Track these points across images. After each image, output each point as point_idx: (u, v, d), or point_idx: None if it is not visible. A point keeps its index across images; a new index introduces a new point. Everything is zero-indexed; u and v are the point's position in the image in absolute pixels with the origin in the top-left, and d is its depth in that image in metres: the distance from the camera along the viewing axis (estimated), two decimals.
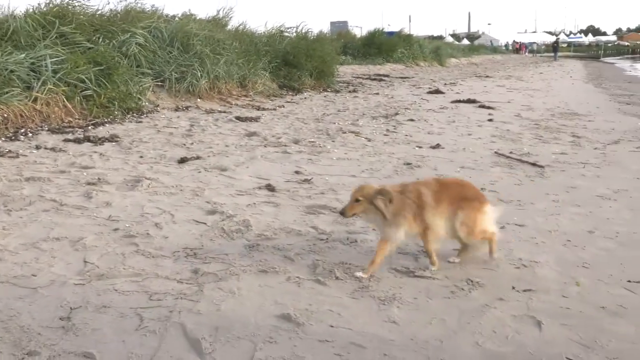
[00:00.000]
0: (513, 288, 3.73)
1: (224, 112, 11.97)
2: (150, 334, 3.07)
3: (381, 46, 30.97)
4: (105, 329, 3.10)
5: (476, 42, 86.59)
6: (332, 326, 3.22)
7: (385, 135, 9.66)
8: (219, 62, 13.91)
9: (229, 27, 18.12)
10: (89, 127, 9.24)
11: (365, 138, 9.28)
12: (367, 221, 4.16)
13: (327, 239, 4.58)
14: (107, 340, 2.99)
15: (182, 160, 7.24)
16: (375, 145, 8.72)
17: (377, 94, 17.46)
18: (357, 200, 3.86)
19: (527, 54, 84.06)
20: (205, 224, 4.86)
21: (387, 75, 25.05)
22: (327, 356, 2.93)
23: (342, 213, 3.99)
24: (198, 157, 7.46)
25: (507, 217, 5.12)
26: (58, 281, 3.63)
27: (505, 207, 5.44)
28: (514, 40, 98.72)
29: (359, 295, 3.60)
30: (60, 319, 3.18)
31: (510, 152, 8.16)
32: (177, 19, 15.92)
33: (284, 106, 13.56)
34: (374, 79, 22.82)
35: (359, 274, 3.87)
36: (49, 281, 3.65)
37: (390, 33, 37.72)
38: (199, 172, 6.74)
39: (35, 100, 9.24)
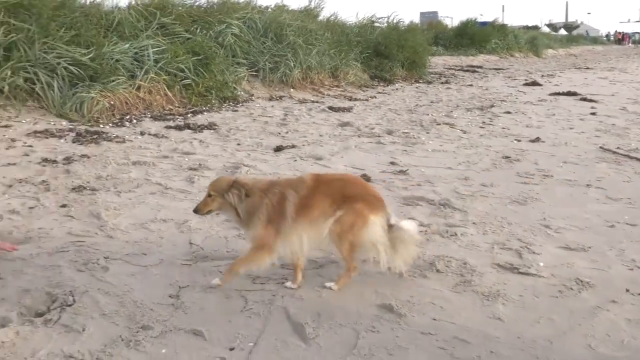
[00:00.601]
0: (627, 290, 3.52)
1: (317, 102, 12.05)
2: (254, 316, 3.13)
3: (474, 37, 30.15)
4: (212, 309, 3.19)
5: (574, 33, 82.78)
6: (434, 319, 3.17)
7: (481, 127, 9.41)
8: (311, 52, 14.03)
9: (321, 17, 18.22)
10: (189, 115, 9.56)
11: (461, 130, 9.09)
12: (231, 221, 3.65)
13: (425, 231, 4.51)
14: (214, 319, 3.07)
15: (278, 149, 7.36)
16: (471, 137, 8.51)
17: (471, 85, 17.05)
18: (210, 196, 3.42)
19: (630, 44, 79.50)
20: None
21: (480, 67, 24.40)
22: (430, 349, 2.88)
23: (196, 211, 3.48)
24: (293, 146, 7.56)
25: (617, 215, 4.87)
26: (167, 261, 3.77)
27: (615, 205, 5.20)
28: (616, 30, 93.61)
29: (461, 290, 3.52)
30: (170, 296, 3.30)
31: (617, 148, 7.74)
32: (270, 9, 16.16)
33: (375, 97, 13.51)
34: (467, 70, 22.30)
35: (215, 281, 3.45)
36: (158, 260, 3.79)
37: (483, 23, 36.70)
38: (295, 160, 6.82)
39: (138, 88, 9.64)
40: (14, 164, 5.98)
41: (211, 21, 12.73)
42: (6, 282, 3.32)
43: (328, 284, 3.48)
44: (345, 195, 3.38)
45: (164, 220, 4.58)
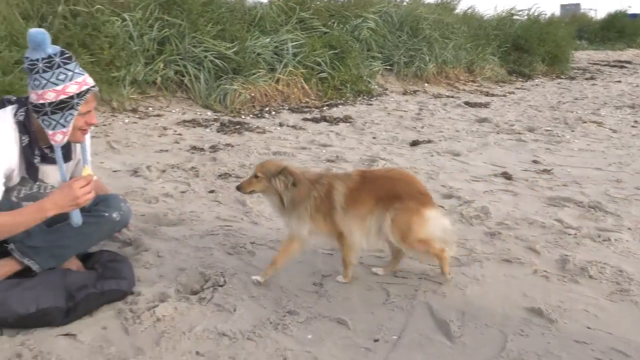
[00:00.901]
0: None
1: (452, 97, 11.81)
2: (397, 310, 3.11)
3: (623, 30, 28.12)
4: (354, 299, 3.22)
5: None
6: (589, 327, 2.98)
7: (633, 127, 8.75)
8: (447, 46, 13.76)
9: (457, 10, 17.80)
10: (324, 108, 9.73)
11: (610, 129, 8.50)
12: (271, 206, 3.47)
13: (575, 234, 4.26)
14: (357, 310, 3.09)
15: (414, 143, 7.28)
16: (622, 137, 7.94)
17: (619, 81, 15.91)
18: (256, 177, 3.30)
19: None
20: (443, 207, 4.81)
21: (629, 62, 22.66)
22: (585, 358, 2.72)
23: (238, 188, 3.39)
24: (429, 141, 7.45)
25: None
26: (309, 249, 3.83)
27: None
28: None
29: (618, 299, 3.28)
30: (313, 284, 3.37)
31: None
32: (406, 3, 16.01)
33: (514, 92, 12.99)
34: (614, 66, 20.81)
35: (255, 277, 3.33)
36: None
37: (634, 15, 34.05)
38: (432, 155, 6.72)
39: (277, 81, 9.95)
40: (167, 150, 6.38)
41: (348, 15, 12.84)
42: (164, 260, 3.55)
43: (446, 276, 3.44)
44: (392, 195, 3.24)
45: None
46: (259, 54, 9.95)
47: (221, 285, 3.23)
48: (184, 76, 9.06)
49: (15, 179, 2.96)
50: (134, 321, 2.80)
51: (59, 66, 2.81)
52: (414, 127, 8.43)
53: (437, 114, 9.71)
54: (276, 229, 4.20)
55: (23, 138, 2.94)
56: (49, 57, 2.79)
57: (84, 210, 3.17)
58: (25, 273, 3.01)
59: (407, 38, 13.43)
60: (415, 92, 12.09)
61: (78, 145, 3.21)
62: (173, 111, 8.48)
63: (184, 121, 7.93)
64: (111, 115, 7.81)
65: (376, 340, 2.80)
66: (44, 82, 2.81)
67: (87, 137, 3.17)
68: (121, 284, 3.00)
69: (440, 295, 3.28)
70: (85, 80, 2.89)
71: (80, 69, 2.91)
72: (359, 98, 10.85)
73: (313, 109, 9.62)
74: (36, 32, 2.80)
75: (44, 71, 2.79)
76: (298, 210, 3.21)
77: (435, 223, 3.28)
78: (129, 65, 8.34)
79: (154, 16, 8.97)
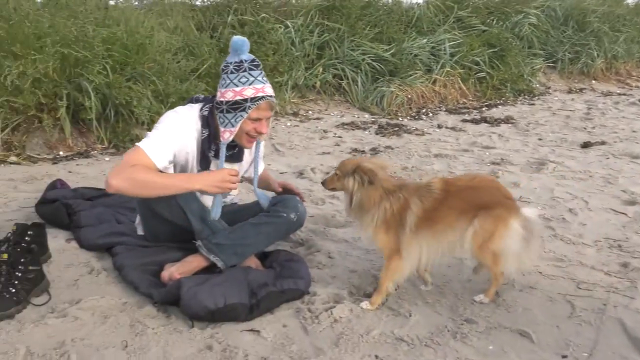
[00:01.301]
0: None
1: (624, 94, 10.93)
2: (585, 325, 2.90)
3: None
4: (535, 311, 3.04)
5: None
6: None
7: None
8: (618, 39, 12.73)
9: (629, 1, 16.39)
10: (483, 108, 9.41)
11: None
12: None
13: None
14: (539, 322, 2.92)
15: (586, 145, 6.81)
16: None
17: None
18: (336, 174, 3.12)
19: None
20: (625, 214, 4.44)
21: None
22: None
23: (323, 183, 3.25)
24: (603, 142, 6.93)
25: None
26: None
27: None
28: None
29: None
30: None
31: None
32: None
33: None
34: None
35: (364, 304, 3.03)
36: None
37: None
38: (607, 158, 6.24)
39: (434, 82, 9.78)
40: (329, 153, 6.50)
41: (508, 12, 12.31)
42: (335, 262, 3.59)
43: (478, 298, 3.13)
44: (479, 204, 2.97)
45: None
46: (415, 55, 9.84)
47: (395, 289, 3.20)
48: (342, 79, 9.20)
49: (187, 164, 3.18)
50: (312, 321, 2.86)
51: (244, 70, 2.98)
52: (584, 128, 7.89)
53: (608, 113, 9.02)
54: None
55: (204, 131, 3.17)
56: (240, 61, 3.00)
57: (263, 211, 3.32)
58: (211, 269, 3.19)
59: (572, 33, 12.61)
60: (581, 90, 11.32)
61: (247, 151, 3.35)
62: (332, 114, 8.64)
63: (343, 124, 8.04)
64: (274, 119, 8.12)
65: (564, 357, 2.62)
66: (228, 82, 3.02)
67: (261, 145, 3.31)
68: (299, 283, 3.07)
69: (633, 311, 3.01)
70: (263, 89, 3.02)
71: (265, 78, 3.05)
72: (520, 98, 10.37)
73: (471, 109, 9.35)
74: (238, 38, 3.05)
75: (232, 72, 3.00)
76: (364, 218, 3.02)
77: (517, 236, 2.98)
78: (290, 70, 8.62)
79: (314, 22, 9.21)
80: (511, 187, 5.16)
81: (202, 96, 3.36)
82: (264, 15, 8.74)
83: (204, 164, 3.20)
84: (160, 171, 3.01)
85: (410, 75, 9.48)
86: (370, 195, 2.97)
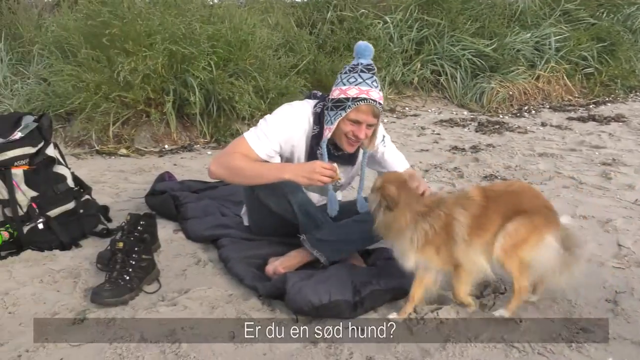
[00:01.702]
0: None
1: None
2: None
3: None
4: None
5: None
6: None
7: None
8: None
9: None
10: (590, 106, 8.97)
11: None
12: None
13: None
14: None
15: None
16: None
17: None
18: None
19: None
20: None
21: None
22: None
23: None
24: None
25: None
26: (595, 260, 3.50)
27: None
28: None
29: None
30: (606, 300, 3.04)
31: None
32: None
33: None
34: None
35: (392, 316, 2.85)
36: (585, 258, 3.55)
37: None
38: None
39: (537, 78, 9.41)
40: (427, 150, 6.38)
41: (620, 3, 11.65)
42: None
43: (497, 313, 2.84)
44: (519, 210, 2.75)
45: (583, 216, 4.29)
46: (518, 50, 9.51)
47: (502, 293, 3.08)
48: (440, 75, 9.02)
49: (292, 157, 3.22)
50: (417, 321, 2.79)
51: (356, 72, 2.98)
52: None
53: None
54: None
55: (314, 128, 3.19)
56: (357, 64, 3.01)
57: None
58: (314, 264, 3.20)
59: None
60: None
61: (361, 156, 3.31)
62: (429, 111, 8.49)
63: (441, 121, 7.88)
64: None
65: None
66: (339, 80, 3.04)
67: (371, 154, 3.28)
68: (403, 282, 3.01)
69: None
70: (368, 92, 2.97)
71: (375, 83, 3.00)
72: (631, 95, 9.82)
73: (577, 107, 8.92)
74: (361, 43, 3.08)
75: (345, 73, 3.02)
76: (399, 241, 2.82)
77: (551, 249, 2.73)
78: (388, 66, 8.55)
79: (413, 17, 9.08)
80: (625, 190, 4.88)
81: (320, 93, 3.38)
82: (363, 10, 8.71)
83: (311, 159, 3.21)
84: (265, 161, 3.07)
85: (512, 71, 9.18)
86: (397, 218, 2.78)
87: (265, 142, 3.08)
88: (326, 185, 3.06)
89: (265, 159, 3.09)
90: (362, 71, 2.98)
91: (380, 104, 3.01)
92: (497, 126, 7.53)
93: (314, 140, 3.18)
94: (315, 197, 3.40)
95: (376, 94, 2.99)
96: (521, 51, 9.54)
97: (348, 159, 3.32)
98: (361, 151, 3.28)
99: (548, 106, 8.90)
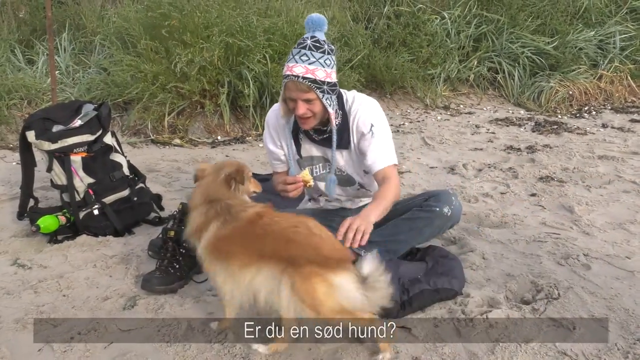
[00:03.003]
0: None
1: None
2: None
3: None
4: None
5: None
6: None
7: None
8: None
9: None
10: None
11: None
12: None
13: None
14: None
15: None
16: None
17: None
18: None
19: None
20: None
21: None
22: None
23: None
24: None
25: None
26: None
27: None
28: None
29: None
30: None
31: None
32: None
33: None
34: None
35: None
36: None
37: None
38: None
39: (599, 78, 9.07)
40: (481, 149, 6.25)
41: None
42: (490, 263, 3.43)
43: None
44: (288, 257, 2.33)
45: None
46: (580, 49, 9.18)
47: (555, 298, 2.98)
48: (497, 73, 8.82)
49: (288, 151, 3.24)
50: (466, 324, 2.73)
51: (293, 48, 2.92)
52: None
53: None
54: (612, 242, 3.77)
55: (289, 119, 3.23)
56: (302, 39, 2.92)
57: (415, 206, 3.23)
58: None
59: None
60: None
61: (360, 139, 3.14)
62: (484, 109, 8.32)
63: (497, 119, 7.71)
64: (424, 111, 7.98)
65: None
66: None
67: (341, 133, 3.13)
68: (453, 282, 2.96)
69: None
70: (292, 69, 2.84)
71: (304, 57, 2.83)
72: None
73: None
74: (309, 16, 2.93)
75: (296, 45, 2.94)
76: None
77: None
78: (444, 62, 8.42)
79: (472, 12, 8.89)
80: None
81: None
82: (421, 5, 8.58)
83: (297, 145, 3.23)
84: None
85: (573, 70, 8.87)
86: (192, 195, 2.69)
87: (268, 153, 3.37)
88: (326, 175, 3.20)
89: (276, 165, 3.36)
90: (294, 47, 2.89)
91: (305, 78, 2.81)
92: (555, 126, 7.31)
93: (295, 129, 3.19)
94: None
95: (300, 69, 2.82)
96: (584, 50, 9.21)
97: (329, 142, 3.10)
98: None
99: (610, 107, 8.58)
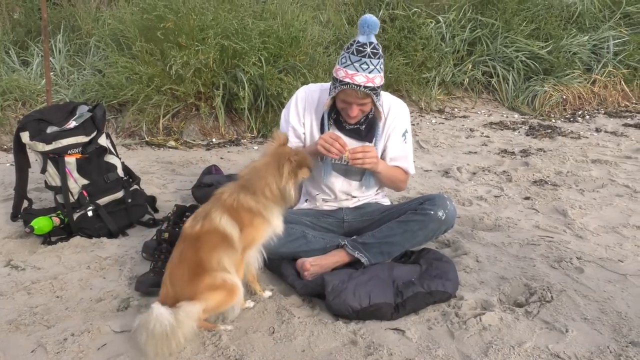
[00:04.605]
0: None
1: None
2: None
3: None
4: None
5: None
6: None
7: None
8: None
9: None
10: None
11: None
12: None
13: None
14: None
15: None
16: None
17: None
18: None
19: None
20: None
21: None
22: None
23: None
24: None
25: None
26: None
27: None
28: None
29: None
30: None
31: None
32: None
33: None
34: None
35: None
36: (636, 270, 3.43)
37: None
38: None
39: (593, 82, 9.12)
40: (475, 152, 6.27)
41: None
42: (483, 266, 3.44)
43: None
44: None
45: (637, 226, 4.14)
46: (574, 53, 9.22)
47: (548, 301, 3.00)
48: (491, 77, 8.85)
49: (310, 130, 3.33)
50: (459, 326, 2.74)
51: (349, 52, 2.93)
52: None
53: None
54: (605, 245, 3.79)
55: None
56: (354, 42, 2.94)
57: (410, 210, 3.24)
58: (353, 264, 3.17)
59: None
60: None
61: (385, 133, 3.30)
62: (479, 112, 8.34)
63: (491, 123, 7.73)
64: (419, 115, 7.99)
65: None
66: (339, 57, 3.02)
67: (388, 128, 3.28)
68: (447, 285, 2.96)
69: None
70: (353, 77, 2.89)
71: (364, 65, 2.88)
72: None
73: (635, 113, 8.60)
74: (364, 17, 2.92)
75: (343, 50, 2.99)
76: None
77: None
78: (438, 66, 8.44)
79: (467, 17, 8.92)
80: None
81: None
82: (416, 9, 8.61)
83: (322, 130, 3.27)
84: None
85: (567, 75, 8.91)
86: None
87: (284, 125, 3.39)
88: (345, 164, 3.20)
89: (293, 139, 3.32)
90: (352, 53, 2.90)
91: (366, 87, 2.91)
92: (549, 130, 7.34)
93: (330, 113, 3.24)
94: (337, 185, 3.38)
95: (361, 78, 2.89)
96: (577, 54, 9.25)
97: (358, 134, 3.23)
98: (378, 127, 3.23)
99: (603, 112, 8.63)
